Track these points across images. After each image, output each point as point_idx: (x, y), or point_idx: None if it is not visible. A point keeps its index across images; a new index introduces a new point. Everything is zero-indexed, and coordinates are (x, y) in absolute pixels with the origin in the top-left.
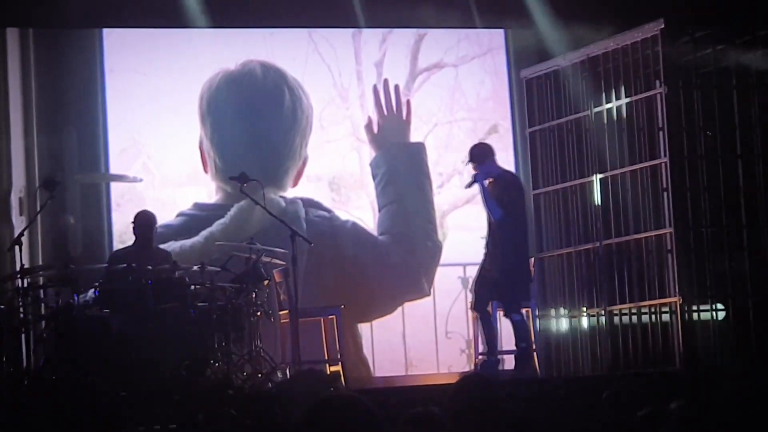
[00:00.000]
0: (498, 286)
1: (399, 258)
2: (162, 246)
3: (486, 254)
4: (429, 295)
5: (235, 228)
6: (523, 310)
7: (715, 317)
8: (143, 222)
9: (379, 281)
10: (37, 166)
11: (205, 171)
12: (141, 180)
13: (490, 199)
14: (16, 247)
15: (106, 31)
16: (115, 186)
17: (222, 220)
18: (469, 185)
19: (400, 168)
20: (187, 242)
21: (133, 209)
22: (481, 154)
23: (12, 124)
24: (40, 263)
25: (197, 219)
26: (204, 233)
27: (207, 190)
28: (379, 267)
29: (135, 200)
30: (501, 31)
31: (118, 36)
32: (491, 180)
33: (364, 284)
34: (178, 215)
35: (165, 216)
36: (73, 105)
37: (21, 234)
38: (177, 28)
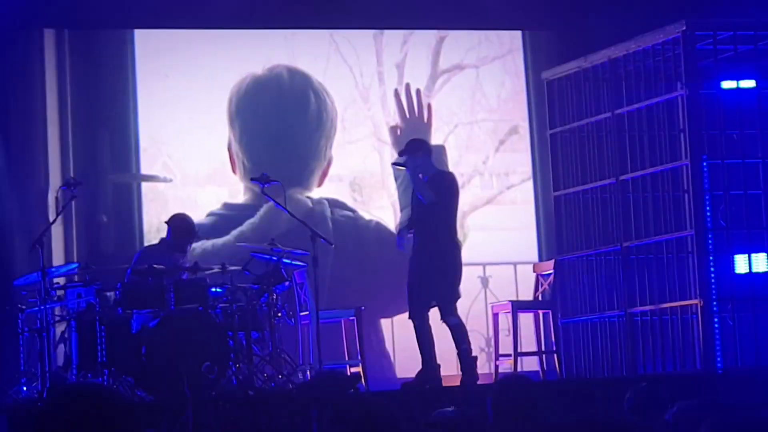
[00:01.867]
0: (436, 285)
1: None
2: (194, 245)
3: (415, 252)
4: None
5: (265, 227)
6: (540, 312)
7: (736, 319)
8: (183, 229)
9: (400, 279)
10: (72, 165)
11: (234, 172)
12: (171, 180)
13: (421, 183)
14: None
15: (137, 32)
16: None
17: (252, 219)
18: (396, 164)
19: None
20: (218, 241)
21: (156, 209)
22: (413, 148)
23: (49, 124)
24: (75, 261)
25: (227, 219)
26: (235, 232)
27: (228, 190)
28: (401, 265)
29: (158, 200)
30: (519, 32)
31: (148, 37)
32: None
33: (386, 281)
34: (209, 215)
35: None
36: (105, 105)
37: (42, 234)
38: (201, 29)
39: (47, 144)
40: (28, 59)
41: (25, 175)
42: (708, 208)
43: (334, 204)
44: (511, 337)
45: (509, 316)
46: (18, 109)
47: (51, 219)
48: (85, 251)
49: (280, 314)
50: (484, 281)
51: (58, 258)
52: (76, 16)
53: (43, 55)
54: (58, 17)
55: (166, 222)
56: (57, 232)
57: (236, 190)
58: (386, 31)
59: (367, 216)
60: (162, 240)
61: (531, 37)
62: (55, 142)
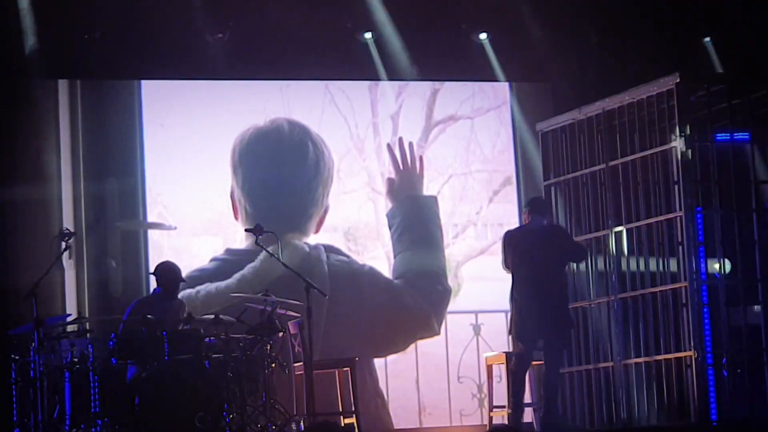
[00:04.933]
0: None
1: (412, 300)
2: (198, 288)
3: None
4: (439, 334)
5: (265, 271)
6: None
7: (729, 370)
8: (170, 275)
9: (393, 321)
10: (83, 212)
11: (236, 218)
12: (175, 228)
13: None
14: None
15: (144, 83)
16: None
17: (253, 264)
18: None
19: (414, 219)
20: (221, 284)
21: (151, 257)
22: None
23: (63, 172)
24: (86, 305)
25: (230, 263)
26: (236, 276)
27: (223, 240)
28: (394, 308)
29: (154, 248)
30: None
31: (154, 88)
32: None
33: (380, 323)
34: (212, 260)
35: (181, 264)
36: (114, 154)
37: (36, 285)
38: (198, 79)
39: (62, 191)
40: (44, 109)
41: (39, 222)
42: (702, 259)
43: (330, 249)
44: (503, 386)
45: (503, 366)
46: (34, 157)
47: (65, 267)
48: (95, 296)
49: (273, 364)
50: (476, 329)
51: (71, 302)
52: (86, 67)
53: (58, 105)
54: (71, 68)
55: (152, 273)
56: (69, 276)
57: (232, 240)
58: (381, 83)
59: (361, 261)
60: (154, 291)
61: (518, 89)
62: (68, 189)
